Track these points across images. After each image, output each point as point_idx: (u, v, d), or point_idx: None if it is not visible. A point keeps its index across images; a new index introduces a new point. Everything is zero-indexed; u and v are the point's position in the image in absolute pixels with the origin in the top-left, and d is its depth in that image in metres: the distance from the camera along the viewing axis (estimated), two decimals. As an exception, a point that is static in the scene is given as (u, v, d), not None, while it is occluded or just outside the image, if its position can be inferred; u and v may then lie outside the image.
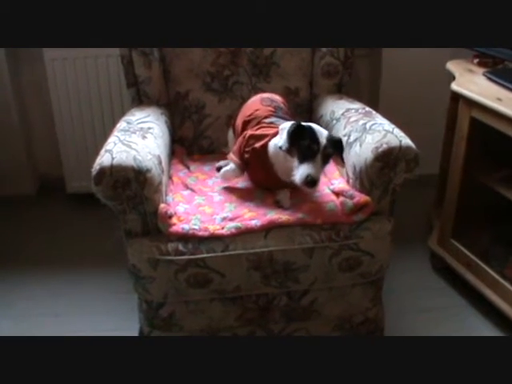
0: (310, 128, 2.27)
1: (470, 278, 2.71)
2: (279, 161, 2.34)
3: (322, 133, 2.26)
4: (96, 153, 2.27)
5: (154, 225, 2.23)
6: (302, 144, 2.22)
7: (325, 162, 2.25)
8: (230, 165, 2.50)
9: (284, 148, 2.25)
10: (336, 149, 2.29)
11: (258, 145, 2.40)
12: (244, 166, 2.46)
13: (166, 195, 2.36)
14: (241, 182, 2.52)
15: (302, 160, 2.22)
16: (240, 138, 2.49)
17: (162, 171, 2.31)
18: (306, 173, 2.19)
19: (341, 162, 2.39)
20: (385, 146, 2.20)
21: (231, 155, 2.51)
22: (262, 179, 2.46)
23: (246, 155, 2.42)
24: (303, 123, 2.29)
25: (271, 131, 2.39)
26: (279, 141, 2.28)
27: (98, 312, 2.76)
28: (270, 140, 2.38)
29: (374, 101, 3.50)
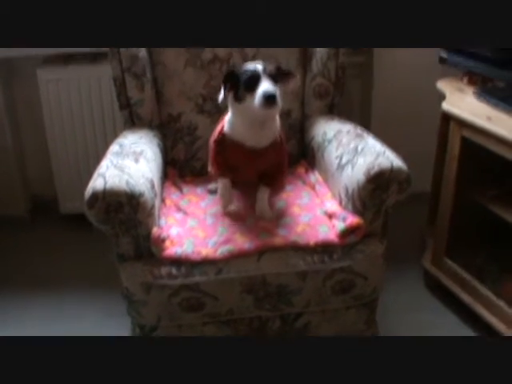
0: (242, 67, 2.32)
1: (465, 297, 2.71)
2: (238, 126, 2.37)
3: (255, 63, 2.30)
4: (89, 173, 2.28)
5: (147, 248, 2.23)
6: (244, 78, 2.25)
7: (272, 80, 2.23)
8: (218, 186, 2.54)
9: (221, 97, 2.31)
10: (278, 70, 2.31)
11: (215, 136, 2.47)
12: (223, 171, 2.48)
13: (159, 218, 2.36)
14: (233, 205, 2.51)
15: (251, 90, 2.22)
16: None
17: (155, 195, 2.31)
18: (260, 93, 2.19)
19: (292, 77, 2.39)
20: (376, 168, 2.20)
21: (210, 171, 2.57)
22: (244, 167, 2.46)
23: (218, 156, 2.47)
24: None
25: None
26: (219, 97, 2.34)
27: (90, 334, 2.74)
28: (222, 124, 2.45)
29: (365, 120, 3.52)
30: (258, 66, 2.25)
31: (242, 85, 2.25)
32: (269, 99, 2.18)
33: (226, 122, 2.42)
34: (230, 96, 2.33)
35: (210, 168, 2.59)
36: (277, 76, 2.28)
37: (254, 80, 2.22)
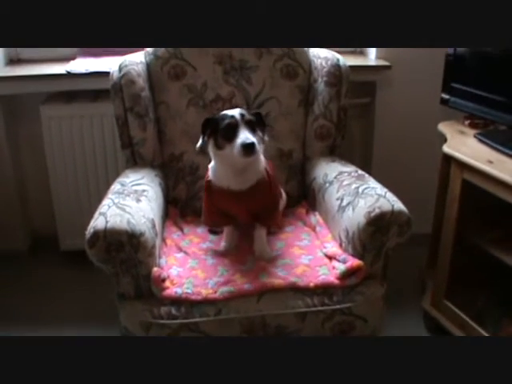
0: (220, 114, 2.34)
1: (464, 340, 2.70)
2: (221, 172, 2.39)
3: (234, 110, 2.32)
4: (90, 210, 2.30)
5: (147, 288, 2.23)
6: (221, 126, 2.27)
7: (252, 130, 2.27)
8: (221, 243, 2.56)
9: (200, 144, 2.34)
10: (255, 118, 2.33)
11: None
12: (214, 220, 2.55)
13: (160, 258, 2.36)
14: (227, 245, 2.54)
15: (230, 139, 2.25)
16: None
17: (156, 234, 2.32)
18: (239, 143, 2.21)
19: (262, 135, 2.40)
20: (377, 210, 2.21)
21: (202, 221, 2.62)
22: (234, 211, 2.48)
23: (207, 203, 2.51)
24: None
25: None
26: (198, 144, 2.36)
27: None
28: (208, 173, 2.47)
29: (366, 161, 3.54)
30: (235, 113, 2.28)
31: (221, 134, 2.28)
32: (247, 149, 2.21)
33: (210, 168, 2.45)
34: (211, 143, 2.35)
35: (202, 218, 2.62)
36: (255, 122, 2.31)
37: (232, 129, 2.25)
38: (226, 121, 2.26)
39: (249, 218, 2.49)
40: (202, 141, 2.34)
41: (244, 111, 2.32)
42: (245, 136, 2.21)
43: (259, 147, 2.27)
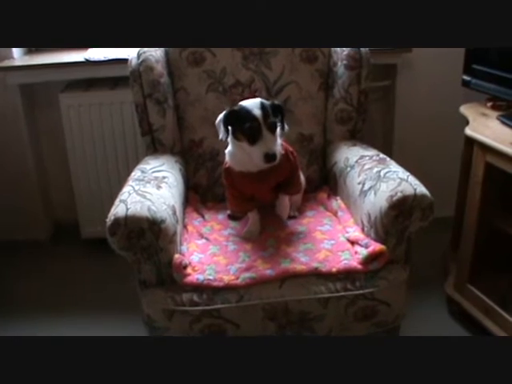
0: (242, 108, 2.30)
1: (489, 324, 2.67)
2: (239, 156, 2.39)
3: (254, 107, 2.27)
4: (110, 198, 2.30)
5: (169, 275, 2.23)
6: (244, 128, 2.25)
7: (272, 131, 2.26)
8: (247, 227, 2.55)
9: (223, 136, 2.31)
10: (276, 113, 2.31)
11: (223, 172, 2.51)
12: (241, 205, 2.55)
13: (181, 244, 2.36)
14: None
15: (252, 142, 2.25)
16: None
17: (177, 221, 2.31)
18: (262, 153, 2.22)
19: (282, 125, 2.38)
20: (399, 194, 2.19)
21: (231, 211, 2.64)
22: (257, 192, 2.50)
23: (231, 190, 2.52)
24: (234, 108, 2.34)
25: None
26: (220, 135, 2.34)
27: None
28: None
29: (388, 145, 3.52)
30: (258, 113, 2.24)
31: (243, 134, 2.27)
32: (269, 161, 2.23)
33: (227, 154, 2.45)
34: (230, 131, 2.33)
35: (228, 207, 2.64)
36: (275, 121, 2.29)
37: (254, 133, 2.23)
38: (248, 124, 2.23)
39: (272, 195, 2.51)
40: (226, 134, 2.31)
41: (265, 108, 2.27)
42: (266, 146, 2.22)
43: (279, 154, 2.27)
